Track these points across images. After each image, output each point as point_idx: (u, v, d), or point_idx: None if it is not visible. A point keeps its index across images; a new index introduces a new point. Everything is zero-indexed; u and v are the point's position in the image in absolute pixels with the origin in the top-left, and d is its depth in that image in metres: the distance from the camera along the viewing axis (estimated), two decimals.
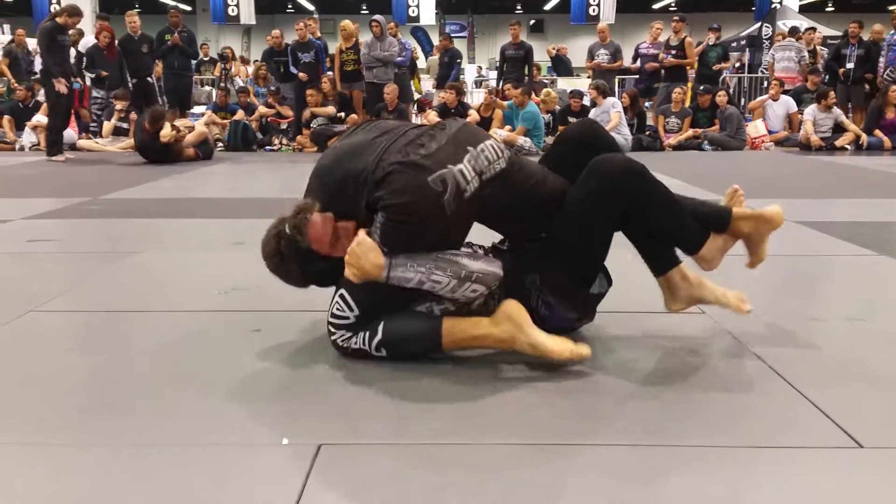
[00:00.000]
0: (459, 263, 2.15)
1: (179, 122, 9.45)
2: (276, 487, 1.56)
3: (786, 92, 11.76)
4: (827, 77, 11.82)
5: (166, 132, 8.76)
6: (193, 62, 12.47)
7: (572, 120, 11.35)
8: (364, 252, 2.12)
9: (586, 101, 11.94)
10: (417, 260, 2.13)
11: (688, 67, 12.00)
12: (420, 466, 1.65)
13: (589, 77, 13.16)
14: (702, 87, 11.29)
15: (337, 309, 2.23)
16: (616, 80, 12.66)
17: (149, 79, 11.08)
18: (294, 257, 2.23)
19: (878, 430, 1.83)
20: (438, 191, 2.08)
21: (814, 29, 13.45)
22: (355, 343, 2.22)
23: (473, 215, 2.23)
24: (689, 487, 1.58)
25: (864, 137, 10.45)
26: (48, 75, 8.99)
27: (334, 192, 2.22)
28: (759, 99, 11.93)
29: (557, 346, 2.13)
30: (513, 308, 2.18)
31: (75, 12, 9.09)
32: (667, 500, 1.53)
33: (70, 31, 9.38)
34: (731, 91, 12.57)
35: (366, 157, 2.17)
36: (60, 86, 8.87)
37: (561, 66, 16.16)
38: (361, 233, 2.17)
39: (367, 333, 2.19)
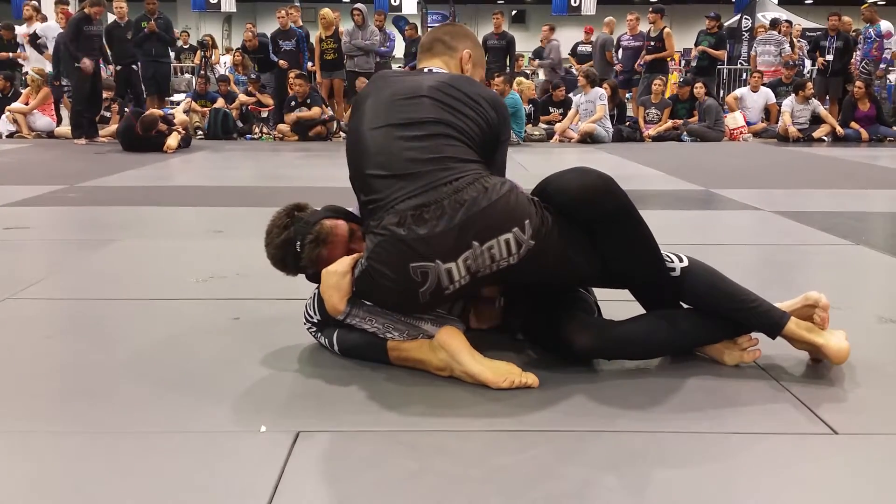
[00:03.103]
0: (419, 328, 2.09)
1: (158, 111, 9.33)
2: (254, 474, 1.56)
3: (763, 84, 11.85)
4: (811, 70, 11.91)
5: (172, 144, 8.69)
6: (171, 50, 12.34)
7: (553, 110, 11.39)
8: (331, 288, 2.08)
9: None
10: (377, 317, 2.10)
11: (668, 59, 12.05)
12: (399, 453, 1.65)
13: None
14: (681, 79, 11.34)
15: (309, 305, 2.25)
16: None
17: (133, 66, 10.99)
18: (295, 267, 2.21)
19: (851, 417, 1.86)
20: (417, 280, 1.95)
21: (789, 23, 13.53)
22: (320, 338, 2.24)
23: (453, 300, 2.13)
24: (669, 472, 1.59)
25: (840, 130, 10.56)
26: (71, 61, 9.31)
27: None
28: (732, 94, 11.94)
29: (496, 375, 1.97)
30: (445, 337, 2.03)
31: (95, 2, 9.25)
32: (647, 484, 1.54)
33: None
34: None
35: (380, 193, 1.99)
36: (87, 65, 9.22)
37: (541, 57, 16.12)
38: (344, 261, 2.09)
39: (327, 339, 2.21)
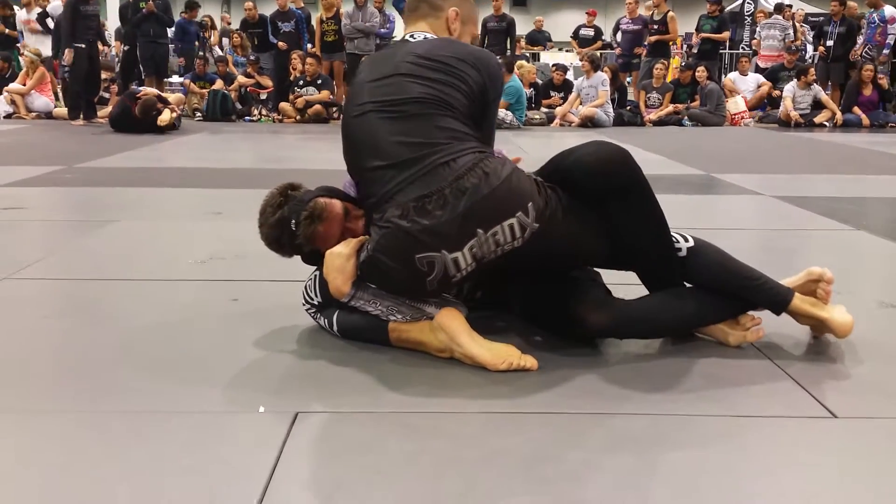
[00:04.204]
0: (423, 311, 2.07)
1: (153, 90, 9.22)
2: (253, 455, 1.55)
3: (763, 70, 11.81)
4: (813, 55, 11.88)
5: (165, 118, 8.62)
6: (170, 30, 12.27)
7: (554, 94, 11.34)
8: (335, 270, 2.06)
9: (570, 75, 11.94)
10: (382, 300, 2.09)
11: (670, 42, 11.99)
12: (397, 434, 1.65)
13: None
14: (683, 63, 11.29)
15: (308, 286, 2.23)
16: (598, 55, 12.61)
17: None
18: (291, 247, 2.18)
19: (851, 401, 1.85)
20: (423, 271, 1.93)
21: (790, 6, 13.47)
22: (319, 319, 2.23)
23: (461, 284, 2.12)
24: (667, 455, 1.58)
25: (839, 116, 10.52)
26: (69, 42, 9.35)
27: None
28: (727, 78, 11.84)
29: (495, 357, 1.97)
30: (445, 318, 2.02)
31: None
32: (645, 467, 1.53)
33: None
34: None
35: (377, 186, 1.97)
36: (69, 55, 9.25)
37: (536, 42, 16.08)
38: (349, 243, 2.07)
39: (327, 320, 2.20)
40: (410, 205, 1.90)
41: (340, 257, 2.07)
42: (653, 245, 2.12)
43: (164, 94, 9.24)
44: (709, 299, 2.16)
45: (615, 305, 2.15)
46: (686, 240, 2.15)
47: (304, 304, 2.26)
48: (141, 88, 9.08)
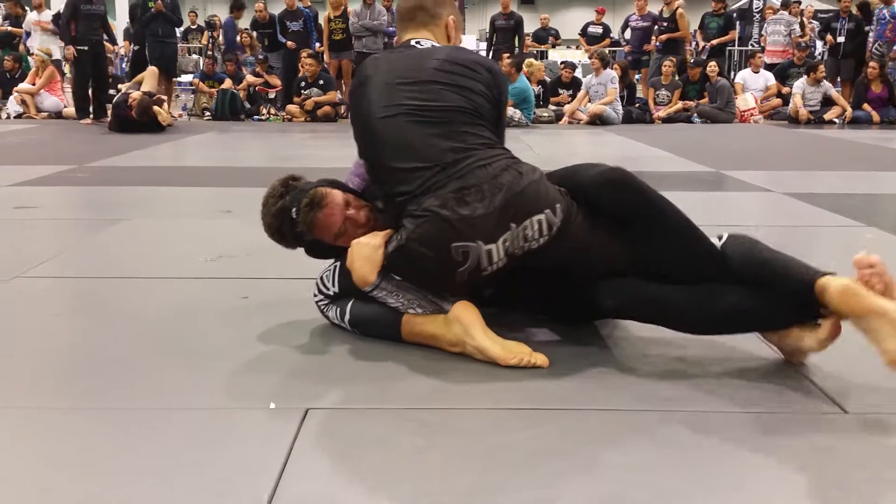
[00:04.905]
0: (442, 307, 2.08)
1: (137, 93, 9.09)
2: (264, 451, 1.56)
3: (772, 66, 11.75)
4: (823, 51, 11.83)
5: (164, 116, 8.62)
6: (179, 29, 12.32)
7: (563, 91, 11.33)
8: (362, 259, 2.06)
9: (578, 73, 11.93)
10: (405, 292, 2.10)
11: (681, 40, 11.95)
12: (406, 430, 1.65)
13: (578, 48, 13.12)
14: (692, 60, 11.26)
15: (326, 277, 2.23)
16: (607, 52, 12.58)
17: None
18: (293, 236, 2.20)
19: (861, 397, 1.85)
20: (458, 261, 1.96)
21: (798, 2, 13.41)
22: (331, 313, 2.23)
23: (486, 281, 2.10)
24: (676, 451, 1.58)
25: (849, 112, 10.47)
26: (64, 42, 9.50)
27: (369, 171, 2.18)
28: (736, 81, 11.77)
29: (506, 353, 1.97)
30: (460, 311, 2.04)
31: None
32: (656, 463, 1.53)
33: None
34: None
35: (410, 184, 1.99)
36: (69, 52, 9.34)
37: (542, 41, 16.07)
38: (378, 234, 2.08)
39: (339, 310, 2.20)
40: (450, 195, 1.95)
41: (368, 247, 2.08)
42: (680, 258, 2.02)
43: (149, 90, 9.08)
44: (757, 300, 1.96)
45: (634, 289, 2.07)
46: (720, 238, 2.04)
47: (315, 296, 2.25)
48: (128, 93, 8.95)
